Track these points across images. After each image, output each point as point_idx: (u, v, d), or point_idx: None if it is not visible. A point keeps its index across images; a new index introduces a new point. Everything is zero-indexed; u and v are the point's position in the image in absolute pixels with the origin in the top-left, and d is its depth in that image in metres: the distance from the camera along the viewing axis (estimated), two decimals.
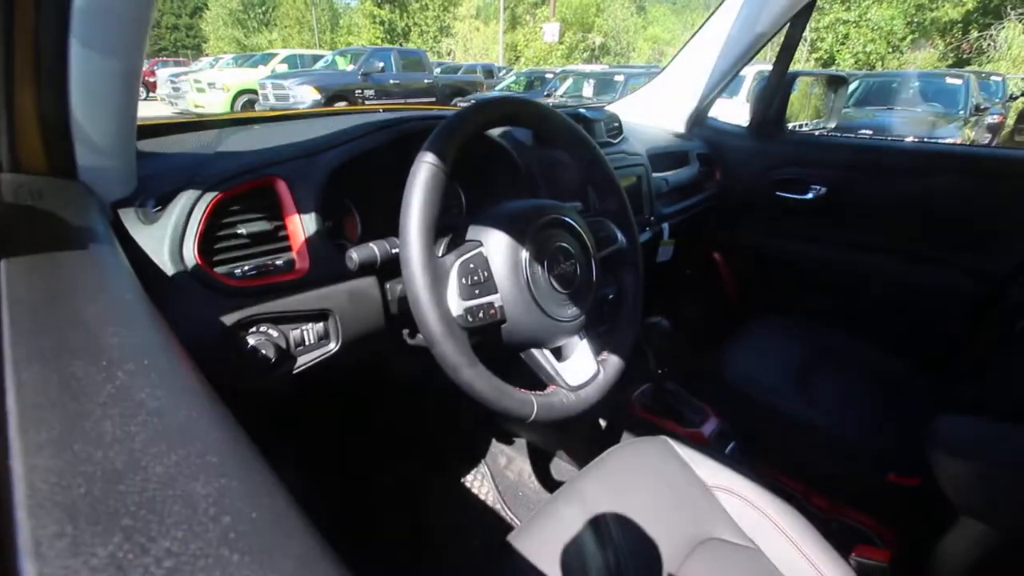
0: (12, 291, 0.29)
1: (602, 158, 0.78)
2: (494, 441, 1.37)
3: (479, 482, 1.32)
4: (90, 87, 0.48)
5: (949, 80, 6.83)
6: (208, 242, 0.59)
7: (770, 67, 1.45)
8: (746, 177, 1.56)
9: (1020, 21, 15.26)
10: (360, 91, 9.01)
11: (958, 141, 5.72)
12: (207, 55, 23.15)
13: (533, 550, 0.66)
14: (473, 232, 0.65)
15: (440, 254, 0.61)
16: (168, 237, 0.55)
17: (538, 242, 0.66)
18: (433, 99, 9.97)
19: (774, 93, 1.47)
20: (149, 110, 11.82)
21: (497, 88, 11.20)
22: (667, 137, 1.49)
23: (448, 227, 0.68)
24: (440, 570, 1.12)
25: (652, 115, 1.56)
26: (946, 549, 0.77)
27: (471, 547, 1.17)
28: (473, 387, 0.58)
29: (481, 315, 0.60)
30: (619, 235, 0.80)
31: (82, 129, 0.49)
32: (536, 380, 0.69)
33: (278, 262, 0.65)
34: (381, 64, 9.50)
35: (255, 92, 9.19)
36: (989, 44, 16.16)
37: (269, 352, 0.59)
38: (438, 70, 12.61)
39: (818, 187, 1.44)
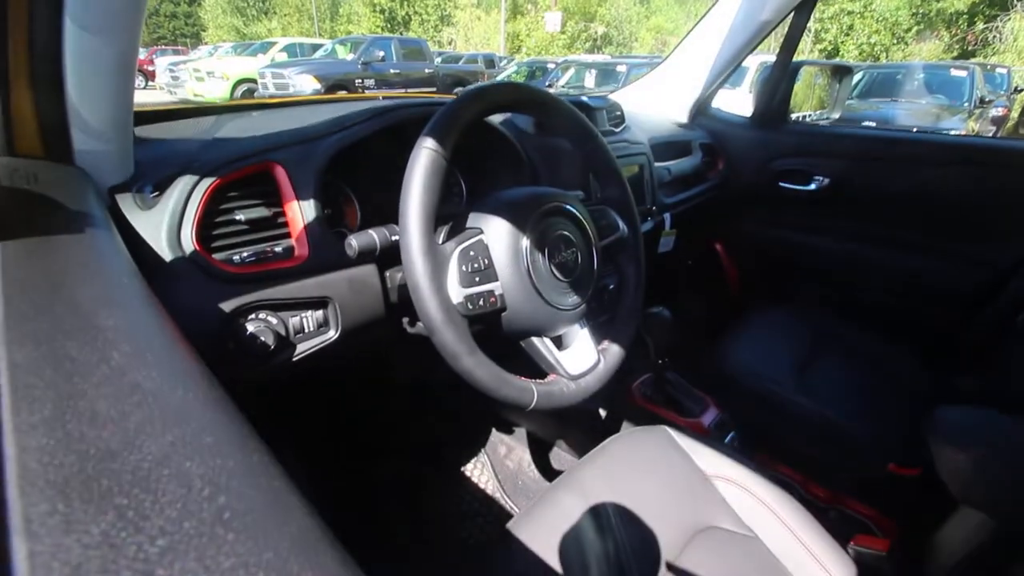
0: (7, 274, 0.29)
1: (604, 146, 0.78)
2: (494, 430, 1.37)
3: (479, 471, 1.32)
4: (86, 70, 0.47)
5: (954, 72, 6.79)
6: (206, 228, 0.58)
7: (773, 57, 1.44)
8: (749, 168, 1.55)
9: None
10: (360, 80, 8.94)
11: (962, 133, 5.69)
12: (206, 43, 23.02)
13: (532, 538, 0.67)
14: (474, 219, 0.65)
15: (440, 241, 0.61)
16: (166, 223, 0.55)
17: (539, 230, 0.65)
18: (434, 89, 9.89)
19: (777, 83, 1.46)
20: (148, 99, 11.78)
21: (498, 78, 11.13)
22: (670, 126, 1.47)
23: (448, 215, 0.68)
24: (440, 557, 1.12)
25: (655, 104, 1.55)
26: (945, 539, 0.77)
27: (470, 535, 1.17)
28: (473, 375, 0.58)
29: (481, 303, 0.60)
30: (621, 224, 0.79)
31: (78, 113, 0.48)
32: (536, 369, 0.68)
33: (277, 249, 0.64)
34: (381, 53, 9.43)
35: (254, 81, 9.14)
36: (995, 36, 16.04)
37: (268, 339, 0.59)
38: (439, 59, 12.52)
39: (821, 178, 1.43)
